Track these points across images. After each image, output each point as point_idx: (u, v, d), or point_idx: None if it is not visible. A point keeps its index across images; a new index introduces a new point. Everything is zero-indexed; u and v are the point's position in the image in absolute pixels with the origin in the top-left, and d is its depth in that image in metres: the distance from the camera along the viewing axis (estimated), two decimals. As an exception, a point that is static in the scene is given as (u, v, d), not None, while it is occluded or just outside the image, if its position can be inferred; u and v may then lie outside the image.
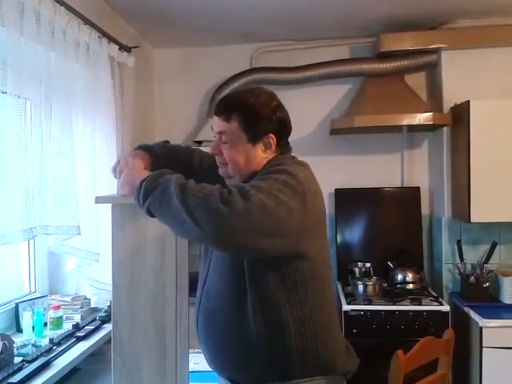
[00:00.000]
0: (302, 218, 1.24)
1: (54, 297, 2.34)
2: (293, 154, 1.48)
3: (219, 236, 1.14)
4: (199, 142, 3.11)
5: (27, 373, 1.62)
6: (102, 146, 2.28)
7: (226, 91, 3.20)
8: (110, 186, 2.22)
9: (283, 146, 1.44)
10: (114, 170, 1.48)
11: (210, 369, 1.92)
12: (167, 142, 1.70)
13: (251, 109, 1.38)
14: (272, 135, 1.39)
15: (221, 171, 1.46)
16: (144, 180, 1.23)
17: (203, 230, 1.13)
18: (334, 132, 3.15)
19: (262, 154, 1.40)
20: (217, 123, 1.42)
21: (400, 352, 1.79)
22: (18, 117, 1.69)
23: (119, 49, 2.49)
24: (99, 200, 1.40)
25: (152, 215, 1.23)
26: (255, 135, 1.38)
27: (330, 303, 1.46)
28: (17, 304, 2.14)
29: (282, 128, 1.42)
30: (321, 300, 1.40)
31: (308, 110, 3.27)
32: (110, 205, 1.39)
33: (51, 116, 1.87)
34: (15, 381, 1.56)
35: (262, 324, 1.33)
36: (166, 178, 1.21)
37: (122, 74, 2.59)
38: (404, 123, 2.83)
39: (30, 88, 1.76)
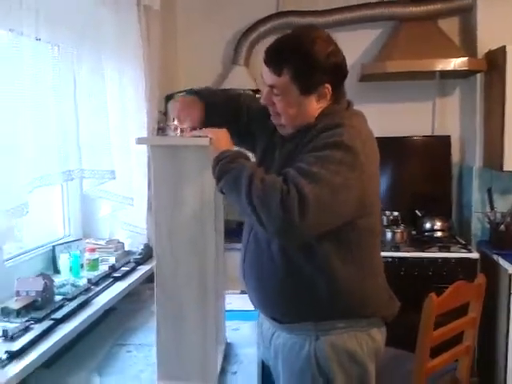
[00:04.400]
0: (361, 192, 1.28)
1: (88, 240, 2.39)
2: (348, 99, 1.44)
3: (280, 237, 1.25)
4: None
5: (68, 310, 1.67)
6: (130, 91, 2.25)
7: (253, 37, 3.13)
8: (140, 130, 2.22)
9: (338, 92, 1.39)
10: (171, 108, 1.51)
11: (241, 308, 2.00)
12: (191, 89, 1.67)
13: (304, 60, 1.31)
14: (327, 85, 1.34)
15: (273, 120, 1.43)
16: (220, 160, 1.28)
17: (266, 230, 1.22)
18: (364, 78, 3.07)
19: (315, 105, 1.36)
20: (267, 75, 1.36)
21: (433, 295, 1.79)
22: (51, 62, 1.68)
23: (146, -10, 2.43)
24: (140, 141, 1.39)
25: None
26: (308, 87, 1.34)
27: (379, 256, 1.50)
28: (53, 247, 2.19)
29: (338, 75, 1.37)
30: (369, 257, 1.43)
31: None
32: (143, 148, 1.39)
33: (82, 60, 1.86)
34: (58, 316, 1.62)
35: (310, 268, 1.36)
36: (240, 166, 1.26)
37: (147, 17, 2.53)
38: (438, 68, 2.75)
39: (62, 33, 1.75)
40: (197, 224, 1.39)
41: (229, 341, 1.78)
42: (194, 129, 1.41)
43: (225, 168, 1.27)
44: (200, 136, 1.35)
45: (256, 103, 1.57)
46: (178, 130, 1.40)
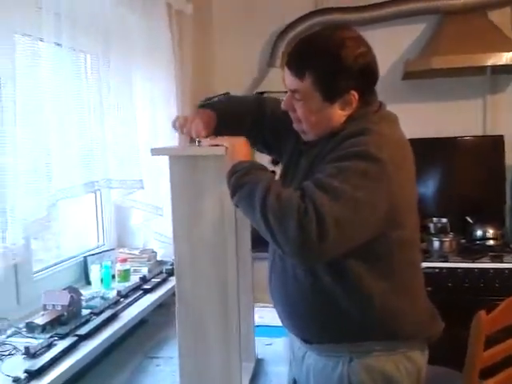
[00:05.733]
0: (389, 204, 1.17)
1: (121, 250, 2.37)
2: (380, 100, 1.32)
3: (297, 258, 1.17)
4: (260, 94, 2.98)
5: (94, 325, 1.63)
6: (161, 99, 2.21)
7: (290, 37, 3.02)
8: (171, 139, 2.17)
9: (368, 96, 1.27)
10: (174, 125, 1.42)
11: (275, 323, 1.91)
12: (227, 93, 1.60)
13: (329, 64, 1.20)
14: (353, 92, 1.22)
15: (295, 127, 1.34)
16: (234, 173, 1.20)
17: (282, 250, 1.14)
18: (408, 76, 2.90)
19: (339, 113, 1.25)
20: (288, 79, 1.26)
21: (482, 313, 1.64)
22: (76, 70, 1.65)
23: (177, -5, 2.38)
24: (155, 152, 1.34)
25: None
26: (333, 94, 1.22)
27: (417, 272, 1.36)
28: (85, 257, 2.17)
29: (367, 79, 1.25)
30: (405, 270, 1.30)
31: (378, 53, 3.02)
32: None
33: (109, 69, 1.81)
34: (83, 333, 1.58)
35: (338, 286, 1.25)
36: (254, 180, 1.18)
37: (180, 23, 2.48)
38: (488, 63, 2.55)
39: (87, 39, 1.71)
40: (217, 236, 1.33)
41: (260, 357, 1.71)
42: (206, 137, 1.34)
43: (239, 182, 1.19)
44: (217, 145, 1.27)
45: (279, 109, 1.47)
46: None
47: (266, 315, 1.96)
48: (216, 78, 3.27)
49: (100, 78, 1.76)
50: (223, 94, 1.61)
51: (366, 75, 1.24)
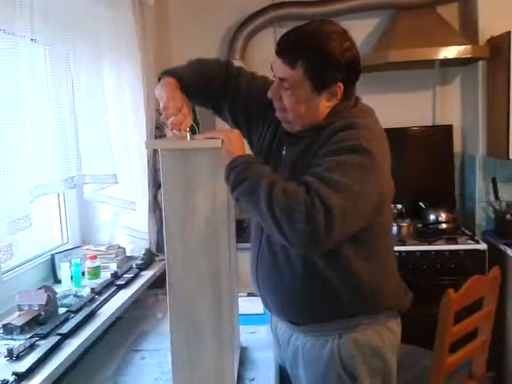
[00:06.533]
0: (379, 193, 1.24)
1: (87, 247, 2.32)
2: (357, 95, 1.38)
3: (305, 249, 1.20)
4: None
5: (75, 323, 1.60)
6: (128, 90, 2.17)
7: (248, 30, 3.04)
8: (139, 131, 2.14)
9: (349, 90, 1.32)
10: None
11: (254, 312, 1.95)
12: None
13: (319, 55, 1.24)
14: (340, 84, 1.27)
15: (279, 116, 1.36)
16: (234, 168, 1.20)
17: (288, 242, 1.16)
18: (363, 69, 2.98)
19: (325, 103, 1.30)
20: (279, 67, 1.29)
21: (451, 291, 1.75)
22: (46, 64, 1.59)
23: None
24: (149, 145, 1.32)
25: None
26: (322, 84, 1.27)
27: (393, 253, 1.49)
28: (52, 255, 2.11)
29: (352, 73, 1.30)
30: (384, 250, 1.41)
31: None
32: (143, 152, 1.32)
33: (79, 62, 1.77)
34: (65, 331, 1.54)
35: (330, 269, 1.33)
36: (257, 174, 1.19)
37: (142, 14, 2.44)
38: (441, 57, 2.67)
39: (57, 33, 1.65)
40: (209, 229, 1.32)
41: (244, 345, 1.74)
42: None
43: (240, 176, 1.20)
44: (212, 138, 1.27)
45: (259, 80, 1.49)
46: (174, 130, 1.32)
47: (243, 304, 1.98)
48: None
49: (70, 71, 1.71)
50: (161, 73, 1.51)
51: (351, 68, 1.30)
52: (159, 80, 1.42)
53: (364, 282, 1.34)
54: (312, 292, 1.36)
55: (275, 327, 1.57)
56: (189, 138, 1.30)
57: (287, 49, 1.27)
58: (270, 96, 1.34)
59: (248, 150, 1.43)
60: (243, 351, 1.69)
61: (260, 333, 1.82)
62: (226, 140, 1.25)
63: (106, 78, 1.98)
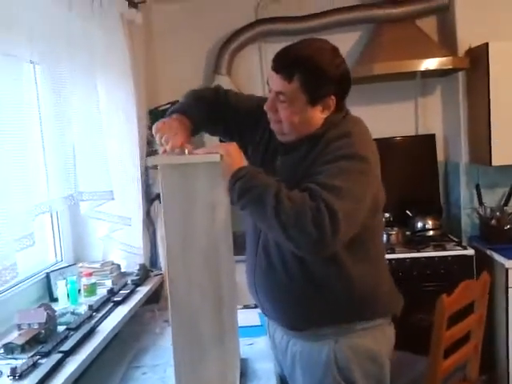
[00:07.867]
0: (374, 196, 1.34)
1: (82, 264, 2.31)
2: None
3: (312, 253, 1.27)
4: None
5: (76, 340, 1.60)
6: (120, 108, 2.19)
7: (234, 46, 3.09)
8: (132, 147, 2.16)
9: (341, 102, 1.40)
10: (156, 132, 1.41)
11: (251, 324, 1.96)
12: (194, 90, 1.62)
13: (315, 69, 1.31)
14: (333, 97, 1.35)
15: (274, 128, 1.42)
16: (239, 179, 1.25)
17: (296, 247, 1.23)
18: (347, 82, 3.06)
19: (319, 115, 1.37)
20: (276, 81, 1.35)
21: (445, 296, 1.79)
22: (43, 84, 1.62)
23: (128, 4, 2.37)
24: (150, 161, 1.35)
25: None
26: (316, 97, 1.34)
27: (384, 256, 1.57)
28: (47, 274, 2.10)
29: (344, 87, 1.38)
30: (378, 253, 1.49)
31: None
32: (137, 167, 1.35)
33: (75, 83, 1.80)
34: (66, 349, 1.54)
35: (327, 273, 1.38)
36: (263, 184, 1.24)
37: (131, 33, 2.47)
38: (423, 68, 2.75)
39: (52, 53, 1.68)
40: (210, 242, 1.35)
41: (244, 357, 1.74)
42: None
43: (247, 185, 1.25)
44: (210, 152, 1.31)
45: (244, 103, 1.58)
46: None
47: (239, 316, 2.00)
48: (162, 85, 3.23)
49: (65, 90, 1.73)
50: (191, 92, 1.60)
51: (344, 82, 1.38)
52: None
53: (358, 284, 1.39)
54: (309, 297, 1.40)
55: (273, 334, 1.62)
56: (187, 152, 1.33)
57: (284, 64, 1.33)
58: (266, 108, 1.40)
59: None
60: (243, 363, 1.70)
61: (258, 344, 1.84)
62: (225, 153, 1.29)
63: (101, 96, 2.01)
